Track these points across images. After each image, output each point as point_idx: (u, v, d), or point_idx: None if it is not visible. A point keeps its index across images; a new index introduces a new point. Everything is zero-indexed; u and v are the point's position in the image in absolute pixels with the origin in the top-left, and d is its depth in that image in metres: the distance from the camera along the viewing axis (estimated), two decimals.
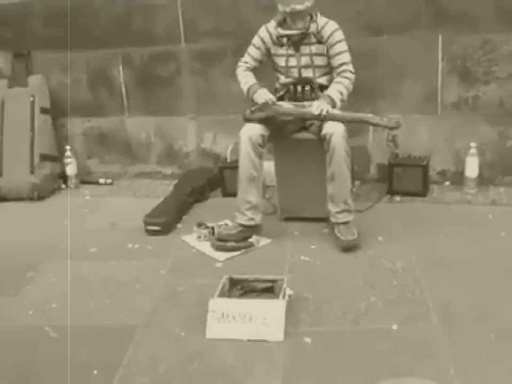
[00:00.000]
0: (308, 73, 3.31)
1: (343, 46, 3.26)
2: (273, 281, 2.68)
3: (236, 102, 3.82)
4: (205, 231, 3.36)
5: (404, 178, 3.81)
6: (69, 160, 4.45)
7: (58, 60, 4.45)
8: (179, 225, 3.64)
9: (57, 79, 4.50)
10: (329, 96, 3.18)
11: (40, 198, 4.26)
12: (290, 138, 3.40)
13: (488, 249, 3.05)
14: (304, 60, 3.30)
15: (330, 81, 3.31)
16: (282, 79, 3.37)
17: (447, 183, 3.98)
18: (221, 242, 3.22)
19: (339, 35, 3.25)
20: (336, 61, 3.27)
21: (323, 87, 3.31)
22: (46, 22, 4.38)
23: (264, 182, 3.43)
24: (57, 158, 4.48)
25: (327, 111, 3.10)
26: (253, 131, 3.19)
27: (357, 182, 3.95)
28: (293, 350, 2.34)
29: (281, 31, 3.27)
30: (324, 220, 3.36)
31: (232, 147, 4.05)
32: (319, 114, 3.10)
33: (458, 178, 3.90)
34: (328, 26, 3.24)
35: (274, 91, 3.36)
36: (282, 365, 2.26)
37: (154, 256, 3.24)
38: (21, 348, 2.49)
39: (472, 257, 2.97)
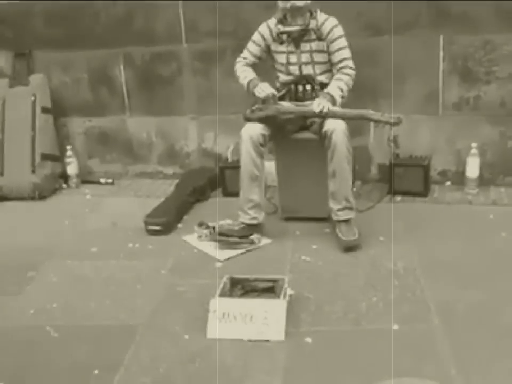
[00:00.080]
0: (308, 70, 3.31)
1: (343, 42, 3.26)
2: (274, 281, 2.68)
3: (236, 102, 3.83)
4: (206, 231, 3.36)
5: (405, 178, 3.81)
6: (70, 159, 4.45)
7: (60, 59, 4.45)
8: (180, 225, 3.64)
9: (58, 78, 4.50)
10: (329, 94, 3.19)
11: (41, 197, 4.26)
12: (291, 138, 3.40)
13: (489, 249, 3.05)
14: (305, 57, 3.30)
15: (331, 78, 3.31)
16: (283, 77, 3.38)
17: (448, 183, 3.98)
18: (224, 237, 3.22)
19: (339, 31, 3.25)
20: (336, 57, 3.27)
21: (323, 85, 3.31)
22: (47, 21, 4.38)
23: (265, 182, 3.43)
24: (58, 158, 4.48)
25: (328, 109, 3.10)
26: (254, 130, 3.20)
27: (358, 182, 3.95)
28: (294, 350, 2.34)
29: (282, 28, 3.28)
30: (325, 219, 3.36)
31: (233, 147, 4.06)
32: (320, 112, 3.10)
33: (459, 179, 3.90)
34: (328, 23, 3.25)
35: (275, 90, 3.36)
36: (283, 364, 2.26)
37: (155, 256, 3.24)
38: (22, 348, 2.49)
39: (473, 258, 2.97)
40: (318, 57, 3.30)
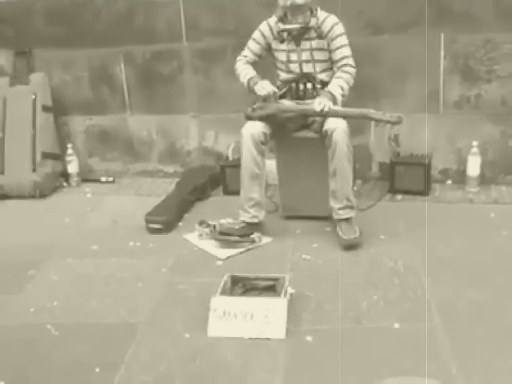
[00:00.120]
0: (308, 68, 3.31)
1: (343, 39, 3.26)
2: (275, 279, 2.68)
3: (237, 100, 3.83)
4: (207, 229, 3.36)
5: (405, 177, 3.81)
6: (70, 158, 4.46)
7: (60, 57, 4.45)
8: (180, 224, 3.64)
9: (59, 77, 4.50)
10: (329, 92, 3.18)
11: (42, 196, 4.26)
12: (292, 137, 3.40)
13: (490, 247, 3.05)
14: (305, 55, 3.30)
15: (331, 77, 3.31)
16: (283, 75, 3.38)
17: (449, 181, 3.98)
18: (224, 236, 3.22)
19: (339, 29, 3.25)
20: (336, 55, 3.27)
21: (324, 83, 3.31)
22: (47, 19, 4.38)
23: (266, 180, 3.43)
24: (59, 156, 4.48)
25: (329, 108, 3.10)
26: (255, 129, 3.19)
27: (358, 181, 3.95)
28: (295, 348, 2.34)
29: (282, 26, 3.28)
30: (326, 218, 3.36)
31: (233, 145, 4.06)
32: (321, 111, 3.10)
33: (460, 177, 3.90)
34: (329, 21, 3.25)
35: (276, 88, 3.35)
36: (283, 363, 2.26)
37: (156, 254, 3.24)
38: (23, 346, 2.49)
39: (474, 256, 2.97)
40: (318, 55, 3.29)
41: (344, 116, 3.14)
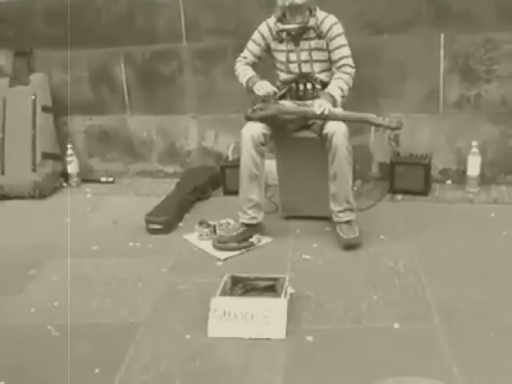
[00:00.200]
0: (307, 68, 3.31)
1: (342, 39, 3.26)
2: (275, 279, 2.68)
3: (237, 101, 3.83)
4: (207, 230, 3.36)
5: (405, 177, 3.81)
6: (70, 158, 4.45)
7: (60, 58, 4.45)
8: (181, 224, 3.64)
9: (59, 77, 4.50)
10: (329, 94, 3.18)
11: (42, 196, 4.26)
12: (292, 137, 3.40)
13: (490, 247, 3.05)
14: (304, 55, 3.30)
15: (331, 77, 3.31)
16: (283, 75, 3.37)
17: (449, 181, 3.98)
18: (222, 244, 3.22)
19: (338, 29, 3.25)
20: (335, 55, 3.27)
21: (324, 83, 3.30)
22: (47, 20, 4.38)
23: (266, 180, 3.43)
24: (59, 156, 4.48)
25: (329, 110, 3.10)
26: (255, 130, 3.19)
27: (358, 181, 3.95)
28: (295, 348, 2.35)
29: (281, 26, 3.28)
30: (326, 218, 3.36)
31: (233, 145, 4.05)
32: (321, 114, 3.10)
33: (460, 177, 3.90)
34: (328, 20, 3.25)
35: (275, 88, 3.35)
36: (283, 363, 2.26)
37: (156, 255, 3.24)
38: (23, 346, 2.49)
39: (474, 256, 2.97)
40: (317, 55, 3.29)
41: (344, 120, 3.13)
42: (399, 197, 3.81)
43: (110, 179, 4.50)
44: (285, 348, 2.35)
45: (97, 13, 4.29)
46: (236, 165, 3.53)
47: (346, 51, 3.26)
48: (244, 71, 3.36)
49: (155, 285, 2.91)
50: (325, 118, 3.12)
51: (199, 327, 2.48)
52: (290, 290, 2.59)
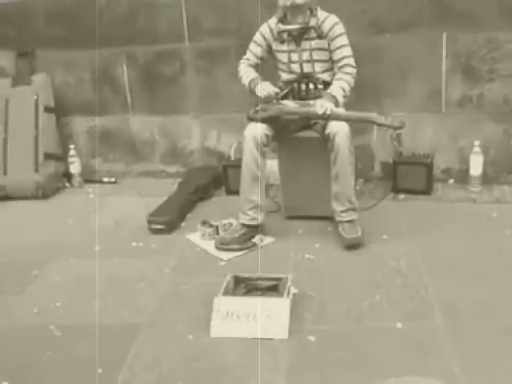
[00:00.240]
0: (309, 68, 3.31)
1: (343, 39, 3.25)
2: (278, 279, 2.68)
3: (239, 101, 3.83)
4: (209, 230, 3.36)
5: (408, 176, 3.80)
6: (73, 158, 4.46)
7: (62, 58, 4.45)
8: (183, 224, 3.64)
9: (61, 77, 4.51)
10: (331, 94, 3.18)
11: (44, 196, 4.26)
12: (294, 136, 3.40)
13: (492, 247, 3.04)
14: (305, 55, 3.29)
15: (333, 77, 3.31)
16: (285, 76, 3.37)
17: (451, 181, 3.97)
18: (225, 246, 3.22)
19: (339, 29, 3.24)
20: (337, 55, 3.27)
21: (326, 83, 3.30)
22: (49, 20, 4.38)
23: (268, 180, 3.43)
24: (61, 157, 4.48)
25: (331, 110, 3.10)
26: (257, 130, 3.19)
27: (360, 180, 3.95)
28: (297, 348, 2.35)
29: (282, 26, 3.28)
30: (328, 218, 3.36)
31: (236, 145, 4.06)
32: (323, 114, 3.10)
33: (462, 177, 3.90)
34: (329, 20, 3.24)
35: (278, 89, 3.35)
36: (286, 363, 2.27)
37: (158, 255, 3.24)
38: (25, 346, 2.49)
39: (477, 255, 2.97)
40: (318, 55, 3.29)
41: (347, 120, 3.13)
42: (402, 196, 3.80)
43: (112, 179, 4.50)
44: (288, 348, 2.35)
45: (99, 13, 4.28)
46: (238, 164, 3.52)
47: (347, 51, 3.26)
48: (246, 73, 3.36)
49: (157, 285, 2.91)
50: (327, 118, 3.11)
51: (202, 327, 2.48)
52: (293, 290, 2.59)
